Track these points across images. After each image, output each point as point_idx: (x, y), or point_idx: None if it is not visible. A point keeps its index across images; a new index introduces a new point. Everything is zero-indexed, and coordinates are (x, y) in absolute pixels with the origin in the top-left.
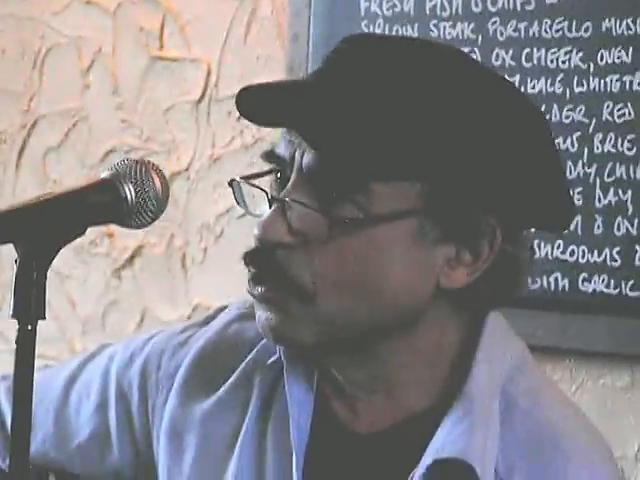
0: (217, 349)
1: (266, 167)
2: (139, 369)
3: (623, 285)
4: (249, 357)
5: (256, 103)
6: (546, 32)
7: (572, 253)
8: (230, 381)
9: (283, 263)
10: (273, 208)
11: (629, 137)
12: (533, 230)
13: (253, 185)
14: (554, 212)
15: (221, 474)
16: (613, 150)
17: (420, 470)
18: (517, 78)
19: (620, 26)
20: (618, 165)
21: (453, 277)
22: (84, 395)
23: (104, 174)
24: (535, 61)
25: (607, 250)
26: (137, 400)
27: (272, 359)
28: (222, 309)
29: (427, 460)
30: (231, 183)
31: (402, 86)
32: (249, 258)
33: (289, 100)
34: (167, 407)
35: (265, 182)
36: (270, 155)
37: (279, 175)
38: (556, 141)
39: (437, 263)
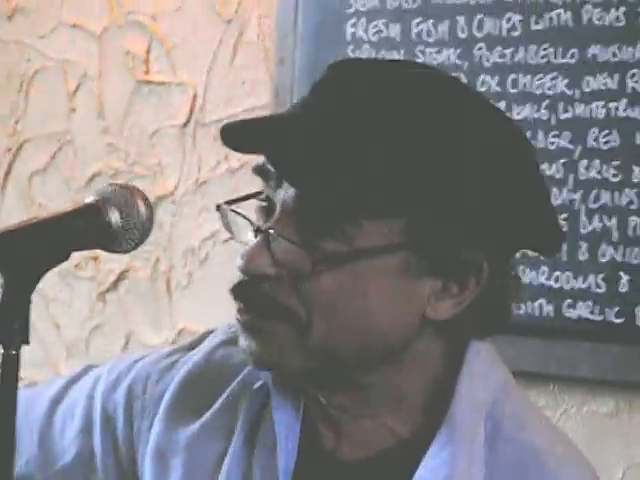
0: (203, 374)
1: (254, 187)
2: (124, 392)
3: (607, 312)
4: (235, 382)
5: (239, 139)
6: (532, 58)
7: (557, 279)
8: (216, 406)
9: (271, 294)
10: (258, 239)
11: (614, 163)
12: (520, 253)
13: (238, 214)
14: (542, 240)
15: None
16: (598, 176)
17: None
18: (503, 104)
19: (606, 53)
20: (603, 191)
21: (439, 309)
22: (68, 417)
23: (89, 199)
24: (521, 87)
25: (592, 277)
26: (122, 423)
27: (258, 384)
28: (208, 334)
29: None
30: (218, 207)
31: (385, 122)
32: (236, 292)
33: (270, 137)
34: (152, 431)
35: (252, 205)
36: (261, 169)
37: (266, 201)
38: (541, 167)
39: (423, 295)
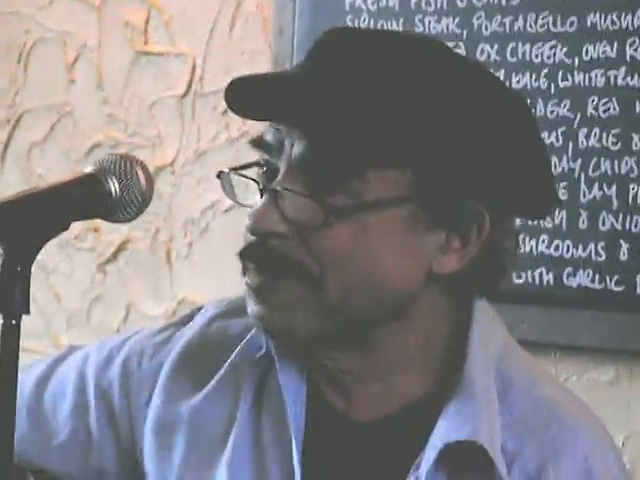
0: (201, 346)
1: (254, 157)
2: (119, 369)
3: (608, 280)
4: (235, 352)
5: (245, 98)
6: (531, 27)
7: (557, 248)
8: (217, 377)
9: (282, 251)
10: (265, 197)
11: (614, 132)
12: (520, 221)
13: (243, 175)
14: (539, 197)
15: (213, 467)
16: (598, 145)
17: (431, 455)
18: (502, 73)
19: (605, 21)
20: (603, 160)
21: (444, 263)
22: (59, 396)
23: (88, 169)
24: (520, 56)
25: (592, 245)
26: (118, 399)
27: (260, 353)
28: (197, 310)
29: (437, 444)
30: (219, 175)
31: (388, 76)
32: (245, 254)
33: (279, 92)
34: (151, 405)
35: (252, 173)
36: (259, 142)
37: (266, 167)
38: (541, 135)
39: (429, 249)
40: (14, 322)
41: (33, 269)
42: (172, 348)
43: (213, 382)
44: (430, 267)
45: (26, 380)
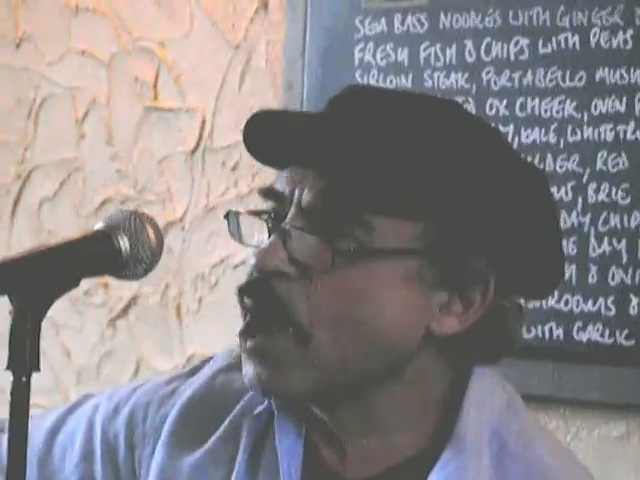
0: (204, 401)
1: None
2: (125, 420)
3: (617, 335)
4: (236, 408)
5: (262, 134)
6: (540, 82)
7: (567, 302)
8: (218, 433)
9: (281, 294)
10: (273, 236)
11: (623, 186)
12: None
13: (254, 214)
14: (545, 269)
15: None
16: (607, 199)
17: None
18: (511, 128)
19: (614, 75)
20: (612, 214)
21: (444, 323)
22: (68, 446)
23: (98, 226)
24: (529, 111)
25: (601, 299)
26: (123, 451)
27: (259, 409)
28: (207, 360)
29: None
30: (227, 215)
31: (408, 130)
32: (244, 289)
33: (297, 133)
34: (155, 458)
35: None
36: (268, 192)
37: (275, 213)
38: (550, 190)
39: (431, 307)
40: (24, 379)
41: (43, 324)
42: (176, 402)
43: (213, 438)
44: (429, 326)
45: (38, 430)
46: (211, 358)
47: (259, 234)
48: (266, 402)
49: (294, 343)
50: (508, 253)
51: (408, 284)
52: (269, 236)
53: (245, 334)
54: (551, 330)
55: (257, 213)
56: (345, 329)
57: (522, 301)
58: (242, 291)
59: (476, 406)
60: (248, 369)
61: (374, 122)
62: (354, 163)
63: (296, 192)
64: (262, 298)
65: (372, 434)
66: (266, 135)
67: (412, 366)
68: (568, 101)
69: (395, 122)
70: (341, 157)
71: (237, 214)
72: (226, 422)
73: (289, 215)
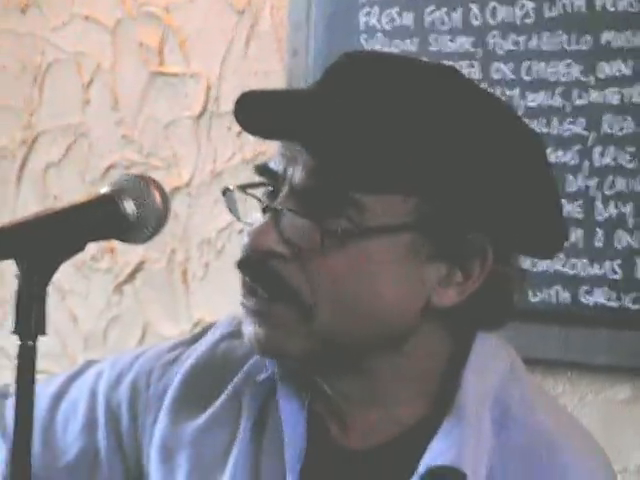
0: (206, 368)
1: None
2: (128, 388)
3: (624, 298)
4: (239, 375)
5: (254, 113)
6: (545, 45)
7: (573, 266)
8: (220, 399)
9: (280, 272)
10: (265, 217)
11: (629, 150)
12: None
13: (246, 193)
14: (546, 234)
15: None
16: (613, 163)
17: None
18: (517, 91)
19: (619, 39)
20: (618, 178)
21: (444, 295)
22: (71, 414)
23: (104, 190)
24: (535, 74)
25: (608, 263)
26: (126, 419)
27: (262, 376)
28: (210, 327)
29: (421, 470)
30: (225, 192)
31: (399, 103)
32: (243, 265)
33: (286, 110)
34: (157, 426)
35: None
36: (262, 168)
37: (272, 188)
38: (556, 154)
39: (429, 280)
40: (31, 343)
41: (49, 290)
42: (179, 369)
43: (217, 404)
44: (429, 299)
45: (41, 397)
46: (213, 325)
47: (254, 211)
48: (269, 370)
49: (296, 313)
50: (506, 222)
51: (403, 259)
52: (264, 214)
53: (248, 296)
54: (557, 294)
55: (255, 185)
56: (344, 305)
57: (523, 263)
58: (241, 267)
59: (478, 373)
60: (248, 328)
61: (364, 96)
62: (342, 140)
63: (289, 170)
64: (261, 276)
65: (373, 405)
66: (254, 114)
67: (413, 338)
68: (574, 64)
69: (386, 95)
70: (329, 134)
71: (232, 192)
72: (229, 389)
73: (281, 194)
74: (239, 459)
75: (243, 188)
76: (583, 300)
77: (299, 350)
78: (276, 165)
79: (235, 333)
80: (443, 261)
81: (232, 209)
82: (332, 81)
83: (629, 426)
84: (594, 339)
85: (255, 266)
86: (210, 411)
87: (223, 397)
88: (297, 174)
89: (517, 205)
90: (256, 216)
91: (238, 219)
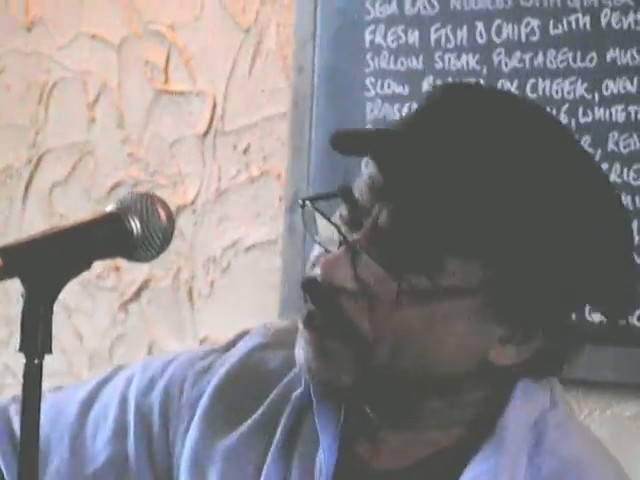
0: (239, 379)
1: (272, 196)
2: (160, 395)
3: (630, 316)
4: (273, 393)
5: (352, 139)
6: (551, 63)
7: None
8: (255, 416)
9: (347, 310)
10: (342, 249)
11: (635, 167)
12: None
13: (325, 217)
14: (612, 303)
15: None
16: (619, 180)
17: None
18: None
19: (625, 56)
20: (624, 195)
21: (502, 354)
22: (101, 419)
23: (109, 208)
24: (540, 92)
25: None
26: (158, 426)
27: (297, 392)
28: (243, 334)
29: None
30: (302, 204)
31: (492, 162)
32: (309, 289)
33: (387, 142)
34: (189, 436)
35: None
36: (347, 193)
37: (350, 215)
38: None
39: (490, 339)
40: (37, 362)
41: (55, 308)
42: (212, 378)
43: (250, 421)
44: (486, 355)
45: (71, 403)
46: (246, 333)
47: (329, 235)
48: (304, 386)
49: (353, 351)
50: (574, 290)
51: (471, 319)
52: (339, 246)
53: (308, 325)
54: None
55: (333, 196)
56: (404, 353)
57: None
58: (307, 291)
59: (524, 399)
60: (301, 353)
61: (454, 149)
62: (438, 196)
63: (375, 207)
64: (326, 309)
65: (410, 427)
66: (353, 139)
67: (462, 386)
68: (579, 82)
69: (476, 148)
70: (426, 185)
71: (311, 208)
72: (264, 406)
73: (363, 230)
74: (270, 476)
75: (319, 199)
76: (589, 317)
77: (351, 384)
78: (361, 195)
79: (268, 345)
80: (507, 322)
81: (307, 224)
82: (428, 120)
83: (636, 442)
84: (600, 356)
85: (323, 297)
86: (244, 427)
87: (259, 412)
88: (384, 215)
89: (589, 275)
90: (330, 236)
91: (310, 236)
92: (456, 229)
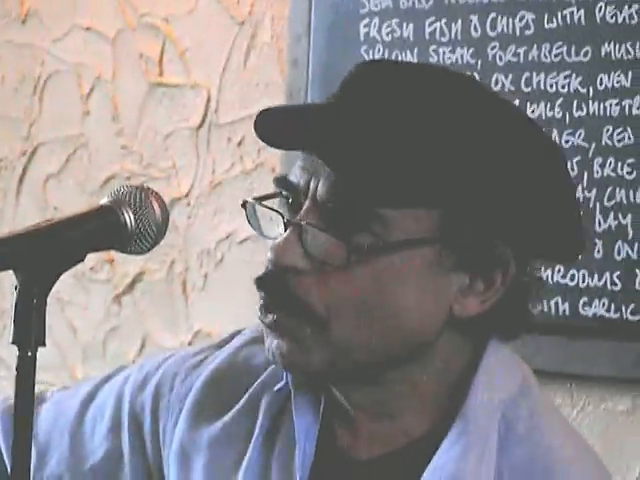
0: (226, 374)
1: (269, 188)
2: (152, 391)
3: (624, 309)
4: (256, 383)
5: (275, 127)
6: (545, 57)
7: (572, 277)
8: (237, 406)
9: (295, 288)
10: (289, 231)
11: (629, 161)
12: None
13: (268, 207)
14: (566, 243)
15: None
16: (613, 174)
17: None
18: (516, 102)
19: (619, 50)
20: (618, 189)
21: (466, 305)
22: (99, 416)
23: (103, 200)
24: (534, 85)
25: (607, 274)
26: (149, 422)
27: (279, 385)
28: (237, 333)
29: None
30: (244, 204)
31: (419, 114)
32: (260, 282)
33: (309, 123)
34: (177, 429)
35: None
36: (282, 181)
37: (291, 200)
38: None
39: (451, 291)
40: (30, 354)
41: (48, 301)
42: (201, 373)
43: (233, 411)
44: (451, 309)
45: (72, 401)
46: (241, 331)
47: (276, 226)
48: (285, 379)
49: (311, 328)
50: (527, 231)
51: (426, 271)
52: (285, 229)
53: (264, 309)
54: (557, 305)
55: (274, 196)
56: (363, 318)
57: (541, 274)
58: (258, 285)
59: (487, 386)
60: (269, 342)
61: (384, 108)
62: (365, 155)
63: (311, 184)
64: (275, 293)
65: (384, 416)
66: (276, 129)
67: (432, 350)
68: (573, 76)
69: (406, 107)
70: (352, 150)
71: (253, 205)
72: (245, 396)
73: (304, 208)
74: (250, 467)
75: (261, 199)
76: (583, 311)
77: (318, 364)
78: (296, 178)
79: (256, 339)
80: (465, 271)
81: (253, 222)
82: (351, 93)
83: (629, 437)
84: (594, 350)
85: (271, 283)
86: (226, 418)
87: (240, 405)
88: (320, 188)
89: (538, 214)
90: (278, 230)
91: (259, 234)
92: (387, 181)
